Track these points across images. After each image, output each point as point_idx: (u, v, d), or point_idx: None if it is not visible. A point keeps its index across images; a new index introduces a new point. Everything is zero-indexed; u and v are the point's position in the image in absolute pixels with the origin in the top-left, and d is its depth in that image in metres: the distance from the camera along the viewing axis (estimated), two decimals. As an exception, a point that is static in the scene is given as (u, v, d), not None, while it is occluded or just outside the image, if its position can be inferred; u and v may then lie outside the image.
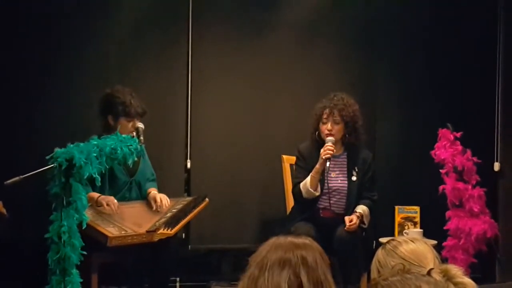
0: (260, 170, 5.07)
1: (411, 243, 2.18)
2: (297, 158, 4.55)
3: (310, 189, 4.36)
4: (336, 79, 5.18)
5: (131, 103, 4.21)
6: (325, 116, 4.40)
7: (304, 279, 1.84)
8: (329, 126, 4.39)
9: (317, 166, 4.36)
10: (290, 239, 1.95)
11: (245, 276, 1.93)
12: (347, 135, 4.45)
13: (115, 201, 4.07)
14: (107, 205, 4.01)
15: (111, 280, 4.24)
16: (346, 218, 4.29)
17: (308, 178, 4.39)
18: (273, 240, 1.97)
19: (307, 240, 1.97)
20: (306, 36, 5.17)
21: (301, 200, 4.46)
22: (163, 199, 4.26)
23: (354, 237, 4.28)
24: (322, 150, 4.35)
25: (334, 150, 4.36)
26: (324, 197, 4.44)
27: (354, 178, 4.46)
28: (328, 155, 4.32)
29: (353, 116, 4.43)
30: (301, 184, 4.42)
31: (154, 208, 4.22)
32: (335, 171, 4.46)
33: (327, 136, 4.39)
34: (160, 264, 4.11)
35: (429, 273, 1.66)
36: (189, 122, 5.04)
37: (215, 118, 5.09)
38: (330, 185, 4.42)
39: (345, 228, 4.26)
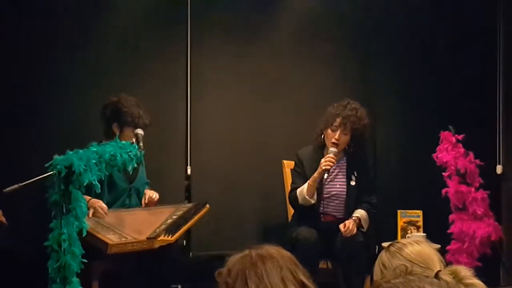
0: (261, 175, 5.05)
1: (416, 245, 2.15)
2: (295, 163, 4.53)
3: (306, 196, 4.34)
4: (336, 83, 5.17)
5: (139, 114, 4.21)
6: (336, 124, 4.36)
7: None
8: (337, 135, 4.35)
9: (315, 175, 4.32)
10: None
11: None
12: (351, 146, 4.42)
13: (103, 204, 4.04)
14: (96, 210, 3.99)
15: (112, 288, 4.21)
16: (341, 225, 4.26)
17: (305, 186, 4.36)
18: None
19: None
20: (305, 40, 5.16)
21: (297, 206, 4.44)
22: (148, 193, 4.30)
23: (355, 241, 4.25)
24: (323, 160, 4.31)
25: (335, 163, 4.33)
26: (324, 202, 4.41)
27: (352, 183, 4.44)
28: (328, 167, 4.28)
29: (363, 131, 4.40)
30: (298, 191, 4.40)
31: (143, 204, 4.27)
32: (334, 175, 4.43)
33: (331, 145, 4.35)
34: (161, 271, 4.08)
35: (437, 274, 1.62)
36: (188, 128, 5.02)
37: (215, 124, 5.07)
38: (328, 189, 4.40)
39: (343, 235, 4.24)
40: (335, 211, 4.43)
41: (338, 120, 4.35)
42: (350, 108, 4.38)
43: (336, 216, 4.42)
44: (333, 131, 4.37)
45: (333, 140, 4.35)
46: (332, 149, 4.33)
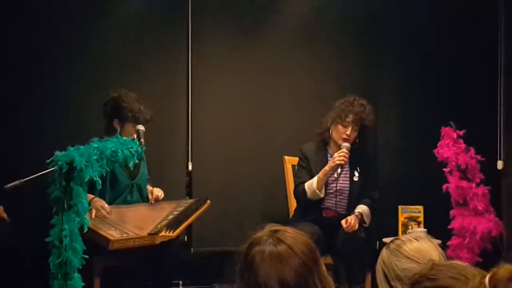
0: (262, 171, 5.05)
1: (415, 242, 2.16)
2: (300, 158, 4.54)
3: (316, 190, 4.35)
4: (337, 79, 5.16)
5: (140, 109, 4.22)
6: (348, 119, 4.36)
7: None
8: (348, 131, 4.36)
9: (326, 168, 4.34)
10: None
11: None
12: (356, 142, 4.45)
13: (105, 204, 4.06)
14: (98, 210, 4.00)
15: (114, 284, 4.21)
16: (342, 221, 4.27)
17: (315, 179, 4.37)
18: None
19: None
20: (306, 37, 5.16)
21: (303, 201, 4.44)
22: (154, 192, 4.32)
23: (357, 237, 4.26)
24: (336, 154, 4.33)
25: (348, 158, 4.34)
26: (328, 197, 4.42)
27: (355, 179, 4.45)
28: (342, 162, 4.30)
29: (370, 127, 4.46)
30: (306, 184, 4.40)
31: (151, 201, 4.29)
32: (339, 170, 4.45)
33: (343, 141, 4.36)
34: (162, 267, 4.09)
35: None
36: (190, 125, 5.02)
37: (216, 120, 5.08)
38: (332, 185, 4.41)
39: (345, 230, 4.25)
40: (338, 206, 4.44)
41: (351, 116, 4.36)
42: (359, 104, 4.40)
43: (338, 211, 4.43)
44: (344, 126, 4.37)
45: (344, 136, 4.36)
46: (346, 144, 4.35)
